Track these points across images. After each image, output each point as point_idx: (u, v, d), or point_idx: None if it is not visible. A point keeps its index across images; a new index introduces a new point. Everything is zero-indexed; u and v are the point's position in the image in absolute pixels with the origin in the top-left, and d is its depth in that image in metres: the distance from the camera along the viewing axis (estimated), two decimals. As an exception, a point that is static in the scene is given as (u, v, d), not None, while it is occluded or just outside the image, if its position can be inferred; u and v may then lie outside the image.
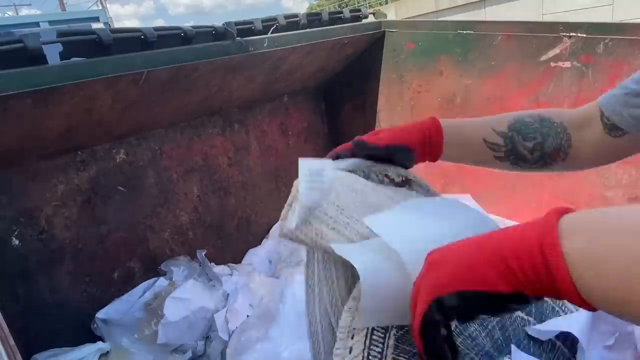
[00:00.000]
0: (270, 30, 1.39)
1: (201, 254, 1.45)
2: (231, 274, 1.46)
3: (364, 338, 0.51)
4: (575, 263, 0.31)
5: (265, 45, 1.31)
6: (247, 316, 1.23)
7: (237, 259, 1.69)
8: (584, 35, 1.24)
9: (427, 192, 0.70)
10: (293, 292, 0.91)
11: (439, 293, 0.37)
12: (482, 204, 1.62)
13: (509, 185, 1.51)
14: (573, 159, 0.67)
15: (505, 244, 0.36)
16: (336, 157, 0.71)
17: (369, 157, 0.69)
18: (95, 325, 1.24)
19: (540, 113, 0.68)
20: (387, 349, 0.51)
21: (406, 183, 0.69)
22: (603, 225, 0.33)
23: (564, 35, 1.28)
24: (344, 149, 0.72)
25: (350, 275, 0.56)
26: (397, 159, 0.69)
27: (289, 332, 0.78)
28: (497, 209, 1.56)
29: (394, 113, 1.80)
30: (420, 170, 0.72)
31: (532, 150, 0.66)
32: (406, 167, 0.70)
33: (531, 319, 0.69)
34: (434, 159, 0.71)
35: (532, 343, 0.67)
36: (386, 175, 0.68)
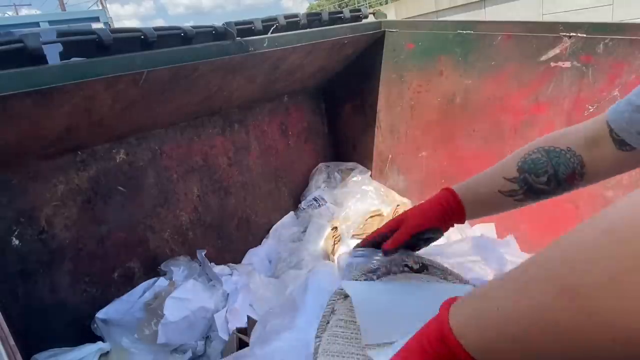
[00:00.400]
0: (270, 30, 1.39)
1: (201, 254, 1.45)
2: (231, 274, 1.46)
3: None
4: (462, 335, 0.41)
5: (265, 45, 1.31)
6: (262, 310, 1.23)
7: (237, 259, 1.69)
8: (584, 35, 1.24)
9: (444, 272, 0.80)
10: (318, 283, 0.92)
11: None
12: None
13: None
14: (591, 176, 0.68)
15: (422, 339, 0.46)
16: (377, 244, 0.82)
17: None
18: (95, 325, 1.23)
19: (544, 145, 0.69)
20: None
21: (424, 268, 0.79)
22: (476, 306, 0.42)
23: (564, 35, 1.28)
24: (380, 235, 0.82)
25: None
26: (426, 241, 0.79)
27: (315, 321, 0.80)
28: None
29: (394, 113, 1.80)
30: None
31: (547, 182, 0.68)
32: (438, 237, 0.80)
33: None
34: (460, 222, 0.77)
35: None
36: (405, 265, 0.79)
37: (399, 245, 0.76)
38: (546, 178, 0.68)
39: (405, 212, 0.79)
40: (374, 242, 0.81)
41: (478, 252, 0.98)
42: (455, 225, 0.77)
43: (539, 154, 0.68)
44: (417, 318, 0.62)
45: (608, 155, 0.65)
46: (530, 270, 0.36)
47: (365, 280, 0.75)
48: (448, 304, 0.45)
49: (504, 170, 0.71)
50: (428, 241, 0.81)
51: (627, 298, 0.27)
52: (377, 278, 0.76)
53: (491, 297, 0.40)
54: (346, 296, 0.72)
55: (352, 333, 0.66)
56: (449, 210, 0.74)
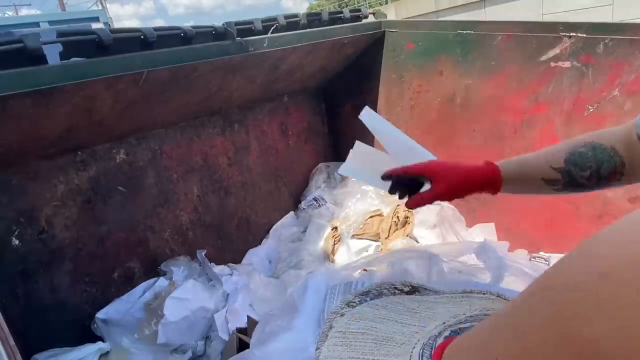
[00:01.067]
0: (270, 30, 1.39)
1: (201, 254, 1.45)
2: (231, 274, 1.46)
3: None
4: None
5: (265, 45, 1.31)
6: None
7: (237, 259, 1.69)
8: (584, 35, 1.24)
9: (436, 293, 0.82)
10: (317, 285, 0.92)
11: None
12: (479, 203, 1.62)
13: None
14: (628, 176, 0.69)
15: None
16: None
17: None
18: (95, 325, 1.23)
19: (591, 140, 0.70)
20: None
21: (415, 290, 0.81)
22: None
23: (564, 35, 1.28)
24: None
25: None
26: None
27: (313, 323, 0.80)
28: (497, 211, 1.56)
29: (394, 113, 1.80)
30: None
31: (589, 177, 0.69)
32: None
33: None
34: (495, 193, 0.77)
35: None
36: (395, 288, 0.81)
37: (419, 204, 0.75)
38: (589, 173, 0.69)
39: (437, 165, 0.76)
40: (397, 181, 0.79)
41: (478, 257, 0.98)
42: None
43: (586, 148, 0.70)
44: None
45: None
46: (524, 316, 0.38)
47: (360, 302, 0.77)
48: (441, 349, 0.49)
49: (551, 158, 0.71)
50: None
51: None
52: (370, 300, 0.78)
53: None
54: (342, 314, 0.74)
55: (350, 341, 0.68)
56: (483, 188, 0.75)
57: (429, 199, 0.74)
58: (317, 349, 0.70)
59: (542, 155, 0.73)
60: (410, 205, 0.75)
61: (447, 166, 0.75)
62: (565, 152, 0.71)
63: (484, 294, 0.80)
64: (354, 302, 0.78)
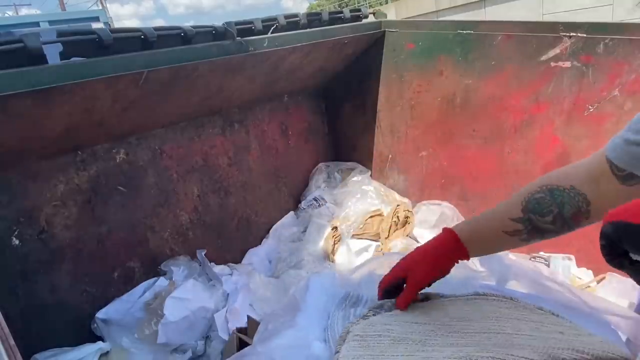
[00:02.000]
0: (270, 30, 1.39)
1: (201, 254, 1.45)
2: (231, 274, 1.46)
3: None
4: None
5: (265, 45, 1.31)
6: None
7: (237, 259, 1.69)
8: (584, 35, 1.24)
9: (444, 297, 0.83)
10: (321, 282, 0.93)
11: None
12: (479, 203, 1.62)
13: (508, 185, 1.51)
14: (596, 213, 0.67)
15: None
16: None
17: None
18: (95, 325, 1.23)
19: (547, 184, 0.69)
20: None
21: (427, 298, 0.83)
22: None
23: (564, 35, 1.28)
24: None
25: None
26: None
27: (315, 321, 0.81)
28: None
29: (394, 113, 1.80)
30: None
31: (553, 222, 0.68)
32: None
33: None
34: (467, 258, 0.77)
35: None
36: None
37: (406, 302, 0.77)
38: (551, 217, 0.67)
39: (408, 260, 0.78)
40: (386, 291, 0.80)
41: (482, 263, 0.98)
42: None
43: (543, 194, 0.68)
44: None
45: (612, 191, 0.64)
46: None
47: (374, 314, 0.78)
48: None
49: (508, 211, 0.70)
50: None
51: None
52: (385, 312, 0.79)
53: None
54: (358, 323, 0.77)
55: (368, 343, 0.70)
56: (454, 257, 0.75)
57: (409, 294, 0.76)
58: (337, 352, 0.71)
59: (499, 210, 0.73)
60: (399, 305, 0.77)
61: (413, 258, 0.77)
62: (521, 200, 0.69)
63: (496, 296, 0.80)
64: (369, 315, 0.79)
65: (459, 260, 0.76)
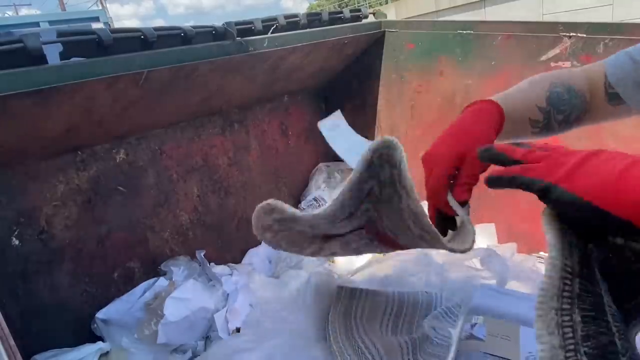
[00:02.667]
0: (270, 30, 1.39)
1: (200, 254, 1.45)
2: (231, 274, 1.46)
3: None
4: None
5: (265, 45, 1.31)
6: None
7: (237, 259, 1.68)
8: (584, 35, 1.24)
9: None
10: (320, 283, 0.93)
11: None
12: (479, 203, 1.62)
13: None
14: (585, 122, 0.67)
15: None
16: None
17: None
18: (95, 325, 1.23)
19: (566, 80, 0.66)
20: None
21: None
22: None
23: (564, 35, 1.28)
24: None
25: None
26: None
27: (316, 321, 0.81)
28: (498, 211, 1.56)
29: (394, 113, 1.80)
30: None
31: (560, 121, 0.66)
32: None
33: None
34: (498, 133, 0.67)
35: None
36: None
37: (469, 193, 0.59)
38: (562, 117, 0.65)
39: (454, 143, 0.59)
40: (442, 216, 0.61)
41: (482, 263, 0.98)
42: None
43: (562, 89, 0.65)
44: None
45: (600, 105, 0.65)
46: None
47: None
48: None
49: (536, 97, 0.66)
50: None
51: None
52: None
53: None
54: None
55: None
56: (498, 132, 0.63)
57: (470, 177, 0.58)
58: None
59: (528, 93, 0.68)
60: (462, 197, 0.59)
61: (457, 132, 0.61)
62: (545, 89, 0.66)
63: None
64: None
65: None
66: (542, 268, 1.36)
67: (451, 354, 0.66)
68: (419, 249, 1.52)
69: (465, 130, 0.60)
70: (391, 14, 8.06)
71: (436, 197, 0.60)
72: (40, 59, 0.89)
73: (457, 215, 0.59)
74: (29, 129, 1.00)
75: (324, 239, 0.72)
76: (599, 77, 0.65)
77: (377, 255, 1.55)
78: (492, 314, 0.72)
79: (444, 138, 0.62)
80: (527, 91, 0.68)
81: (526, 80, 0.70)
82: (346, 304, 0.95)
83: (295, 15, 1.51)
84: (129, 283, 1.37)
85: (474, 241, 0.55)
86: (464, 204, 0.58)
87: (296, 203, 1.97)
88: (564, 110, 0.65)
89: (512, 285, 0.89)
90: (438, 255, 1.27)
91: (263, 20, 1.39)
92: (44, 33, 0.90)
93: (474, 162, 0.57)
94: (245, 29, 1.32)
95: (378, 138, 0.56)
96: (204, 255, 1.46)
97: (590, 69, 0.67)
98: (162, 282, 1.36)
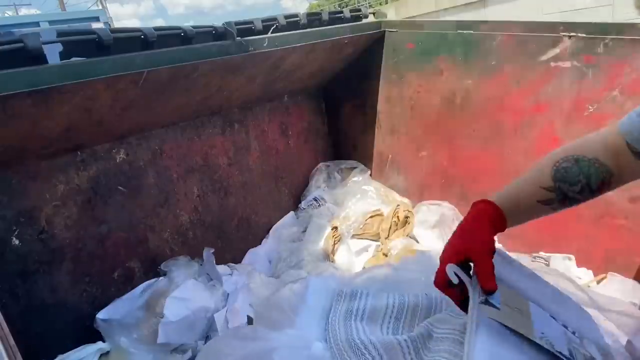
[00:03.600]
0: (270, 30, 1.39)
1: (209, 252, 1.43)
2: (231, 274, 1.46)
3: None
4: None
5: (265, 45, 1.31)
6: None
7: (237, 259, 1.69)
8: (584, 35, 1.24)
9: None
10: (321, 284, 0.93)
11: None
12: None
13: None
14: (617, 184, 0.69)
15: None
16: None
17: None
18: (95, 325, 1.23)
19: (572, 154, 0.69)
20: None
21: None
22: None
23: (564, 35, 1.28)
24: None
25: None
26: None
27: (316, 320, 0.81)
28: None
29: (394, 113, 1.80)
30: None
31: (580, 192, 0.69)
32: None
33: None
34: (502, 230, 0.75)
35: None
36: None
37: (494, 285, 0.67)
38: (579, 187, 0.68)
39: (459, 242, 0.71)
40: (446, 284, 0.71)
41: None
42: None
43: (569, 163, 0.68)
44: None
45: (631, 164, 0.66)
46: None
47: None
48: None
49: (540, 179, 0.71)
50: None
51: None
52: None
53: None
54: None
55: None
56: (498, 229, 0.72)
57: (488, 268, 0.67)
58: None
59: (531, 178, 0.73)
60: (490, 287, 0.66)
61: (465, 237, 0.71)
62: (550, 169, 0.70)
63: None
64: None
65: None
66: (537, 267, 1.36)
67: (473, 317, 0.63)
68: (419, 249, 1.52)
69: (468, 232, 0.72)
70: (391, 14, 8.06)
71: (437, 284, 0.72)
72: (40, 59, 0.89)
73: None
74: (29, 129, 1.00)
75: None
76: (620, 141, 0.66)
77: (377, 255, 1.56)
78: (505, 283, 0.70)
79: (451, 240, 0.73)
80: (529, 178, 0.73)
81: (532, 165, 0.74)
82: (347, 305, 0.95)
83: (295, 15, 1.51)
84: (129, 283, 1.37)
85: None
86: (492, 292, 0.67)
87: (296, 203, 1.97)
88: (578, 181, 0.68)
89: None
90: (438, 255, 1.26)
91: (263, 20, 1.39)
92: (44, 33, 0.90)
93: (483, 257, 0.68)
94: (245, 29, 1.32)
95: None
96: (212, 253, 1.44)
97: (606, 136, 0.69)
98: (162, 282, 1.36)
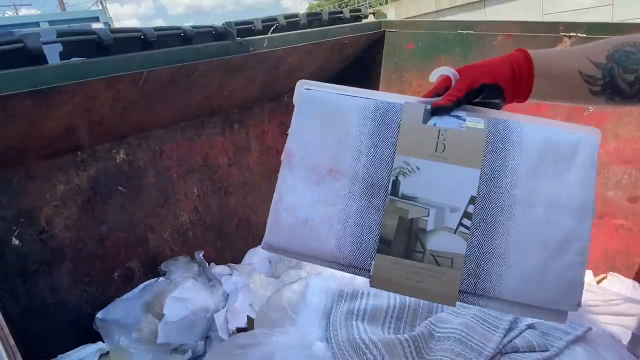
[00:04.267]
0: (270, 30, 1.39)
1: (199, 255, 1.45)
2: (231, 274, 1.46)
3: None
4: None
5: (265, 45, 1.31)
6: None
7: (237, 259, 1.69)
8: (584, 35, 1.24)
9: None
10: (321, 284, 0.93)
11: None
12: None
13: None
14: None
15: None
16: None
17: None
18: (95, 325, 1.23)
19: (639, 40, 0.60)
20: None
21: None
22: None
23: (564, 35, 1.28)
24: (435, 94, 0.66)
25: None
26: (487, 99, 0.65)
27: (317, 320, 0.81)
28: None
29: (394, 113, 1.80)
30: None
31: (632, 83, 0.60)
32: (498, 108, 0.66)
33: None
34: (524, 98, 0.66)
35: None
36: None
37: (451, 103, 0.61)
38: (633, 77, 0.59)
39: (463, 66, 0.64)
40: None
41: None
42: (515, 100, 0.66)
43: (636, 48, 0.60)
44: None
45: None
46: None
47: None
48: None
49: (591, 52, 0.61)
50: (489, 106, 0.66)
51: None
52: None
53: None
54: None
55: None
56: (517, 73, 0.62)
57: (451, 95, 0.61)
58: None
59: (582, 48, 0.63)
60: (437, 103, 0.61)
61: (474, 63, 0.63)
62: (609, 47, 0.61)
63: None
64: None
65: (516, 100, 0.65)
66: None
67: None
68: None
69: (485, 64, 0.64)
70: (391, 14, 8.06)
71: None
72: (40, 59, 0.89)
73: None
74: (29, 129, 1.00)
75: None
76: None
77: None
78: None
79: (477, 64, 0.65)
80: (581, 48, 0.63)
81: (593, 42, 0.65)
82: (348, 305, 0.95)
83: (295, 15, 1.51)
84: (128, 283, 1.37)
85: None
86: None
87: (296, 203, 1.97)
88: (634, 70, 0.59)
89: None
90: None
91: (263, 20, 1.39)
92: (44, 33, 0.90)
93: (462, 84, 0.62)
94: (245, 29, 1.32)
95: None
96: (202, 255, 1.46)
97: None
98: (162, 282, 1.36)
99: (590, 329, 0.68)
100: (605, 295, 0.97)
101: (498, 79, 0.62)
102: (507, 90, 0.63)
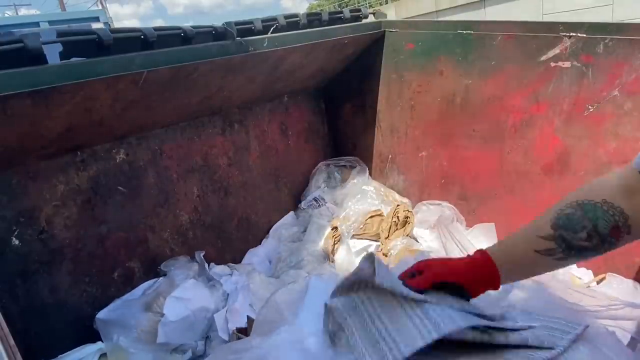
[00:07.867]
0: (270, 30, 1.39)
1: (199, 255, 1.45)
2: (231, 274, 1.46)
3: None
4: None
5: (265, 45, 1.31)
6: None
7: (237, 259, 1.69)
8: (584, 35, 1.24)
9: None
10: (319, 282, 0.93)
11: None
12: (479, 203, 1.62)
13: (508, 185, 1.51)
14: (638, 228, 0.62)
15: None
16: None
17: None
18: (95, 325, 1.23)
19: (577, 199, 0.64)
20: None
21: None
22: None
23: (564, 35, 1.28)
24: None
25: None
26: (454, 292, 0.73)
27: (313, 319, 0.81)
28: (498, 211, 1.56)
29: (394, 113, 1.80)
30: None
31: (588, 239, 0.63)
32: (467, 299, 0.74)
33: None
34: (495, 288, 0.72)
35: None
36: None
37: (419, 288, 0.71)
38: (585, 234, 0.62)
39: (431, 260, 0.76)
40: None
41: None
42: (485, 290, 0.73)
43: (573, 209, 0.63)
44: None
45: None
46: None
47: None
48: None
49: (537, 228, 0.66)
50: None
51: None
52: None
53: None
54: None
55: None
56: (478, 271, 0.70)
57: (419, 284, 0.71)
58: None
59: (528, 228, 0.69)
60: (409, 282, 0.73)
61: (441, 258, 0.76)
62: (550, 217, 0.65)
63: None
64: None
65: (486, 289, 0.72)
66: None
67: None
68: (419, 249, 1.52)
69: (447, 264, 0.76)
70: (391, 14, 8.05)
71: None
72: (40, 59, 0.89)
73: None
74: (29, 129, 1.00)
75: None
76: (634, 178, 0.62)
77: (377, 253, 1.55)
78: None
79: (438, 261, 0.77)
80: (527, 228, 0.69)
81: (537, 217, 0.71)
82: (350, 297, 0.91)
83: (295, 15, 1.51)
84: (128, 283, 1.37)
85: None
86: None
87: (296, 203, 1.97)
88: (582, 227, 0.62)
89: (515, 294, 0.89)
90: (438, 255, 1.26)
91: (263, 20, 1.39)
92: (44, 33, 0.90)
93: (427, 278, 0.72)
94: (245, 29, 1.32)
95: None
96: (202, 255, 1.46)
97: (621, 174, 0.64)
98: (162, 282, 1.36)
99: (587, 326, 0.68)
100: (606, 300, 0.97)
101: (459, 279, 0.71)
102: (468, 288, 0.71)
